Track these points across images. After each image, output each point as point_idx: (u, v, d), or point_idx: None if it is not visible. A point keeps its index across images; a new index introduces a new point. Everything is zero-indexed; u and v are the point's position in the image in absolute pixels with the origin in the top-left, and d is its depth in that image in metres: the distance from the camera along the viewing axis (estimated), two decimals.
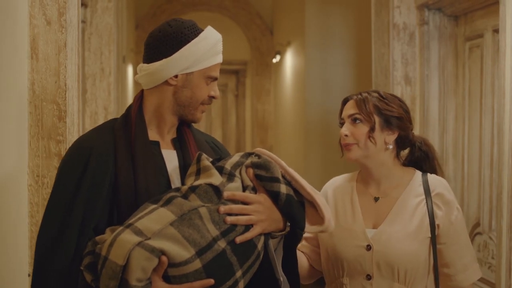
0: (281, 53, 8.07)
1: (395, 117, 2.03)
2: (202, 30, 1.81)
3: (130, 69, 6.56)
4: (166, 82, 1.78)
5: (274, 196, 1.71)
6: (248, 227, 1.65)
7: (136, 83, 1.73)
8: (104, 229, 1.67)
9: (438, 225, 2.01)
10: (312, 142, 6.47)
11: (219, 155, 1.91)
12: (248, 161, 1.74)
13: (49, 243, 1.67)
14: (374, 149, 2.02)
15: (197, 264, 1.55)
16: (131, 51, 7.01)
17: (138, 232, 1.54)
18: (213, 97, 1.83)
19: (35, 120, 2.41)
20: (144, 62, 1.82)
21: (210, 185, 1.64)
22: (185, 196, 1.63)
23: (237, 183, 1.69)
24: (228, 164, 1.71)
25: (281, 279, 1.74)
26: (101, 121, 4.14)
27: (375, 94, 2.05)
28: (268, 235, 1.71)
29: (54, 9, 2.42)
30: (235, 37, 8.96)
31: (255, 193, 1.71)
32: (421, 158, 2.12)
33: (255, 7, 9.09)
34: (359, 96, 2.05)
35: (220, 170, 1.70)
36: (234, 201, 1.66)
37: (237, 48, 9.05)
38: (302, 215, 1.73)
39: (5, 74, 2.21)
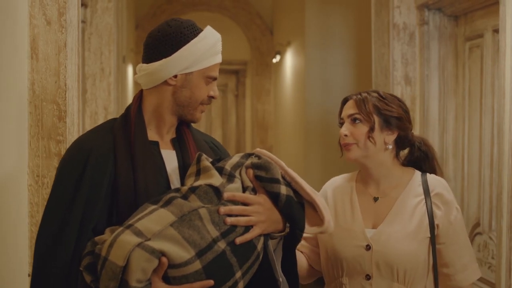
0: (281, 53, 8.07)
1: (394, 117, 2.03)
2: (201, 30, 1.80)
3: (130, 69, 6.56)
4: (166, 82, 1.78)
5: (274, 197, 1.71)
6: (248, 228, 1.65)
7: (136, 83, 1.74)
8: (103, 229, 1.67)
9: (437, 225, 2.01)
10: (312, 142, 6.47)
11: (218, 155, 1.91)
12: (248, 161, 1.74)
13: (48, 243, 1.67)
14: (373, 149, 2.02)
15: (197, 265, 1.55)
16: (131, 51, 7.01)
17: (138, 233, 1.54)
18: (212, 97, 1.83)
19: (35, 120, 2.41)
20: (143, 62, 1.82)
21: (210, 186, 1.64)
22: (185, 197, 1.63)
23: (237, 184, 1.69)
24: (228, 165, 1.71)
25: (280, 279, 1.74)
26: (101, 121, 4.14)
27: (375, 94, 2.05)
28: (267, 236, 1.71)
29: (54, 9, 2.42)
30: (235, 37, 8.96)
31: (255, 194, 1.71)
32: (420, 158, 2.12)
33: (255, 7, 9.09)
34: (359, 96, 2.05)
35: (220, 170, 1.70)
36: (234, 202, 1.66)
37: (237, 48, 9.05)
38: (301, 216, 1.73)
39: (5, 74, 2.21)
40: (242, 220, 1.64)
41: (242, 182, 1.71)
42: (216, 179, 1.66)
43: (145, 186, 1.71)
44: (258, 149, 1.80)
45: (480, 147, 3.69)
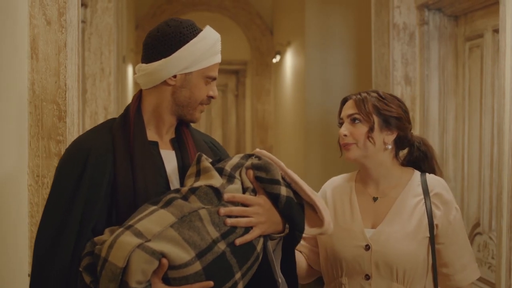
0: (281, 53, 8.07)
1: (394, 117, 2.03)
2: (201, 30, 1.80)
3: (130, 69, 6.56)
4: (165, 82, 1.78)
5: (274, 198, 1.71)
6: (247, 229, 1.65)
7: (136, 83, 1.74)
8: (102, 230, 1.66)
9: (436, 225, 2.01)
10: (312, 142, 6.47)
11: (217, 155, 1.91)
12: (249, 162, 1.74)
13: (48, 243, 1.66)
14: (373, 149, 2.02)
15: (197, 266, 1.54)
16: (131, 51, 7.01)
17: (138, 234, 1.54)
18: (212, 97, 1.83)
19: (35, 120, 2.41)
20: (142, 62, 1.81)
21: (211, 187, 1.64)
22: (185, 198, 1.63)
23: (237, 185, 1.69)
24: (228, 166, 1.71)
25: (280, 280, 1.74)
26: (101, 121, 4.14)
27: (374, 94, 2.05)
28: (267, 237, 1.72)
29: (54, 9, 2.42)
30: (235, 37, 8.96)
31: (255, 195, 1.71)
32: (419, 158, 2.12)
33: (255, 7, 9.09)
34: (358, 96, 2.05)
35: (220, 171, 1.70)
36: (234, 203, 1.65)
37: (237, 48, 9.04)
38: (301, 217, 1.74)
39: (5, 74, 2.21)
40: (242, 221, 1.64)
41: (242, 183, 1.71)
42: (216, 180, 1.66)
43: (145, 186, 1.70)
44: (257, 149, 1.80)
45: (480, 147, 3.69)
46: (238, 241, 1.61)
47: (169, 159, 1.81)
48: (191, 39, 1.76)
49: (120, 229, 1.57)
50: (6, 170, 2.23)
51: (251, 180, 1.72)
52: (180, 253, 1.53)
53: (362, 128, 2.01)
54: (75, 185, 1.68)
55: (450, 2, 3.77)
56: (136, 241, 1.52)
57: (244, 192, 1.70)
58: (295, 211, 1.72)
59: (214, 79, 1.82)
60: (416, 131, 3.94)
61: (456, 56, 3.96)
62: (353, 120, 2.03)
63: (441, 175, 2.13)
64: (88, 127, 4.08)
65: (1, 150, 2.18)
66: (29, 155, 2.41)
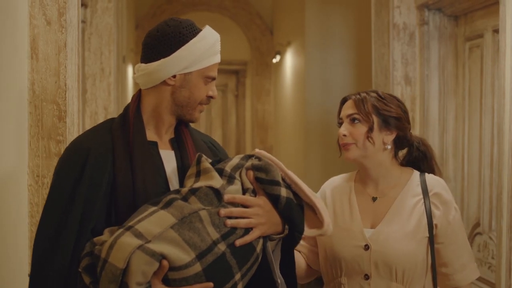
0: (281, 53, 8.07)
1: (393, 117, 2.03)
2: (200, 30, 1.80)
3: (130, 69, 6.56)
4: (164, 82, 1.78)
5: (274, 199, 1.71)
6: (247, 230, 1.65)
7: (136, 83, 1.74)
8: (101, 230, 1.66)
9: (436, 225, 2.01)
10: (312, 142, 6.47)
11: (216, 155, 1.91)
12: (249, 163, 1.74)
13: (47, 243, 1.66)
14: (372, 149, 2.02)
15: (197, 267, 1.54)
16: (131, 51, 7.01)
17: (139, 235, 1.54)
18: (211, 97, 1.82)
19: (35, 120, 2.41)
20: (142, 62, 1.81)
21: (211, 187, 1.64)
22: (185, 199, 1.63)
23: (237, 186, 1.69)
24: (228, 167, 1.71)
25: (279, 281, 1.74)
26: (101, 121, 4.13)
27: (374, 94, 2.05)
28: (266, 238, 1.72)
29: (54, 9, 2.42)
30: (235, 37, 8.96)
31: (255, 195, 1.71)
32: (419, 158, 2.13)
33: (255, 7, 9.09)
34: (358, 96, 2.05)
35: (220, 172, 1.69)
36: (234, 204, 1.65)
37: (237, 48, 9.04)
38: (301, 219, 1.74)
39: (5, 74, 2.21)
40: (242, 222, 1.64)
41: (242, 184, 1.71)
42: (217, 181, 1.66)
43: (144, 186, 1.70)
44: (257, 150, 1.80)
45: (480, 147, 3.69)
46: (238, 242, 1.61)
47: (169, 159, 1.80)
48: (191, 39, 1.76)
49: (120, 230, 1.57)
50: (6, 170, 2.23)
51: (251, 181, 1.72)
52: (180, 254, 1.53)
53: (362, 128, 2.01)
54: (74, 184, 1.68)
55: (450, 2, 3.77)
56: (136, 242, 1.52)
57: (244, 193, 1.70)
58: (295, 212, 1.72)
59: (214, 79, 1.82)
60: (416, 131, 3.94)
61: (456, 56, 3.96)
62: (353, 120, 2.03)
63: (440, 175, 2.13)
64: (88, 127, 4.07)
65: (1, 150, 2.18)
66: (29, 155, 2.41)
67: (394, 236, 1.98)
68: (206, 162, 1.71)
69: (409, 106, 3.95)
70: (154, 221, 1.57)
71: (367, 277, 1.98)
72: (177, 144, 1.84)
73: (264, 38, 9.12)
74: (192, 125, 1.93)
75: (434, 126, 4.00)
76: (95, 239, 1.64)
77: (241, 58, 9.30)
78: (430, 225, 2.00)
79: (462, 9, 3.80)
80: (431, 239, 2.00)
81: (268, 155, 1.77)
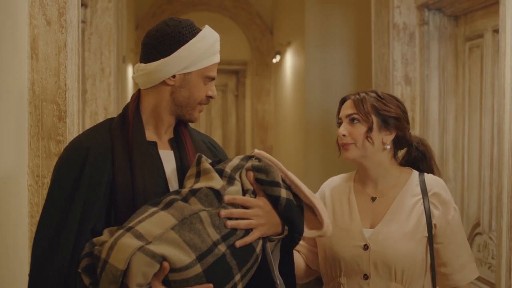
0: (281, 53, 8.07)
1: (392, 117, 2.03)
2: (200, 30, 1.80)
3: (130, 69, 6.56)
4: (164, 82, 1.77)
5: (274, 200, 1.71)
6: (247, 231, 1.65)
7: (136, 83, 1.74)
8: (101, 230, 1.66)
9: (435, 225, 2.01)
10: (312, 142, 6.47)
11: (216, 155, 1.91)
12: (249, 164, 1.73)
13: (47, 243, 1.65)
14: (371, 149, 2.02)
15: (197, 268, 1.54)
16: (131, 51, 7.01)
17: (139, 236, 1.53)
18: (210, 97, 1.82)
19: (35, 120, 2.41)
20: (141, 62, 1.81)
21: (211, 188, 1.64)
22: (185, 199, 1.62)
23: (237, 187, 1.69)
24: (228, 167, 1.71)
25: (278, 281, 1.74)
26: (101, 121, 4.13)
27: (373, 94, 2.05)
28: (266, 239, 1.72)
29: (54, 9, 2.42)
30: (235, 37, 8.96)
31: (255, 196, 1.71)
32: (418, 158, 2.13)
33: (255, 7, 9.09)
34: (357, 96, 2.05)
35: (220, 173, 1.69)
36: (234, 205, 1.65)
37: (237, 48, 9.04)
38: (301, 220, 1.74)
39: (5, 74, 2.21)
40: (242, 223, 1.64)
41: (242, 185, 1.71)
42: (217, 182, 1.66)
43: (143, 186, 1.70)
44: (256, 150, 1.79)
45: (480, 147, 3.69)
46: (238, 243, 1.61)
47: (168, 160, 1.80)
48: (191, 39, 1.76)
49: (121, 231, 1.56)
50: (6, 170, 2.23)
51: (251, 181, 1.72)
52: (181, 256, 1.53)
53: (361, 128, 2.01)
54: (74, 184, 1.68)
55: (450, 2, 3.77)
56: (137, 243, 1.52)
57: (244, 194, 1.70)
58: (294, 213, 1.72)
59: (213, 79, 1.82)
60: (416, 131, 3.95)
61: (456, 56, 3.96)
62: (352, 120, 2.03)
63: (439, 175, 2.13)
64: (88, 127, 4.06)
65: (1, 150, 2.18)
66: (29, 155, 2.41)
67: (393, 236, 1.99)
68: (206, 163, 1.71)
69: (409, 106, 3.96)
70: (155, 222, 1.57)
71: (366, 277, 1.98)
72: (176, 144, 1.84)
73: (264, 38, 9.12)
74: (192, 125, 1.92)
75: (434, 126, 4.00)
76: (95, 239, 1.63)
77: (241, 58, 9.30)
78: (429, 225, 2.00)
79: (462, 9, 3.80)
80: (430, 239, 2.00)
81: (268, 156, 1.77)
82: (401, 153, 2.15)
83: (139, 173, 1.70)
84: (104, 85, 4.31)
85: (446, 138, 4.01)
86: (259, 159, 1.75)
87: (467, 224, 3.80)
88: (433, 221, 2.00)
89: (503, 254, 2.86)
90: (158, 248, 1.52)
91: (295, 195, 1.75)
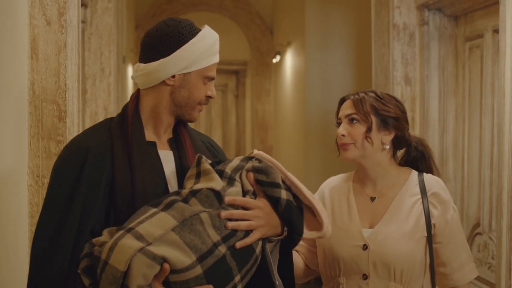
0: (281, 53, 8.07)
1: (392, 117, 2.03)
2: (199, 30, 1.80)
3: (130, 69, 6.56)
4: (163, 82, 1.77)
5: (274, 202, 1.71)
6: (247, 232, 1.65)
7: (136, 83, 1.74)
8: (100, 230, 1.65)
9: (434, 225, 2.01)
10: (312, 142, 6.47)
11: (215, 155, 1.91)
12: (249, 165, 1.73)
13: (46, 243, 1.65)
14: (371, 149, 2.03)
15: (198, 270, 1.54)
16: (131, 51, 7.01)
17: (139, 237, 1.53)
18: (210, 97, 1.82)
19: (35, 120, 2.41)
20: (140, 62, 1.81)
21: (212, 189, 1.64)
22: (185, 200, 1.62)
23: (237, 188, 1.69)
24: (229, 168, 1.71)
25: (277, 282, 1.74)
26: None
27: (372, 94, 2.05)
28: (265, 240, 1.72)
29: (54, 9, 2.42)
30: (235, 37, 8.96)
31: (255, 197, 1.71)
32: (417, 158, 2.13)
33: (255, 7, 9.09)
34: (356, 96, 2.06)
35: (221, 174, 1.69)
36: (234, 206, 1.65)
37: (237, 48, 9.04)
38: (300, 221, 1.74)
39: (5, 74, 2.21)
40: (242, 224, 1.64)
41: (243, 186, 1.71)
42: (217, 183, 1.65)
43: (143, 186, 1.70)
44: (255, 151, 1.79)
45: (480, 147, 3.69)
46: (239, 244, 1.61)
47: (167, 160, 1.80)
48: (190, 39, 1.76)
49: (121, 232, 1.56)
50: (6, 170, 2.23)
51: (252, 182, 1.71)
52: (181, 257, 1.53)
53: (360, 128, 2.02)
54: (74, 184, 1.67)
55: (450, 2, 3.77)
56: (138, 244, 1.51)
57: (244, 195, 1.70)
58: (294, 214, 1.73)
59: (213, 79, 1.82)
60: (416, 131, 3.95)
61: (456, 56, 3.96)
62: (351, 120, 2.03)
63: (438, 175, 2.13)
64: (88, 127, 4.06)
65: (1, 150, 2.17)
66: (29, 155, 2.41)
67: (392, 236, 1.99)
68: (206, 164, 1.71)
69: (409, 106, 3.96)
70: (155, 223, 1.56)
71: (365, 277, 1.98)
72: (175, 144, 1.84)
73: (264, 38, 9.12)
74: (191, 125, 1.92)
75: (434, 126, 4.00)
76: (94, 240, 1.63)
77: (241, 58, 9.30)
78: (428, 225, 2.00)
79: (462, 9, 3.80)
80: (429, 239, 2.00)
81: (268, 157, 1.77)
82: (400, 153, 2.15)
83: (138, 173, 1.70)
84: (104, 85, 4.31)
85: (446, 138, 4.01)
86: (259, 160, 1.75)
87: (467, 224, 3.80)
88: (432, 221, 2.01)
89: (503, 254, 2.86)
90: (159, 250, 1.52)
91: (294, 196, 1.75)
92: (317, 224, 1.76)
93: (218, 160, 1.79)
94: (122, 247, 1.51)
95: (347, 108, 2.06)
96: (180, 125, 1.87)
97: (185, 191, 1.64)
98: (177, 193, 1.66)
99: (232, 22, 9.05)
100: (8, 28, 2.25)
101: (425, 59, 3.95)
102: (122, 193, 1.68)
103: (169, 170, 1.79)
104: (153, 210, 1.60)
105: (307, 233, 1.76)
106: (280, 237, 1.75)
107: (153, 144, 1.79)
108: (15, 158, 2.33)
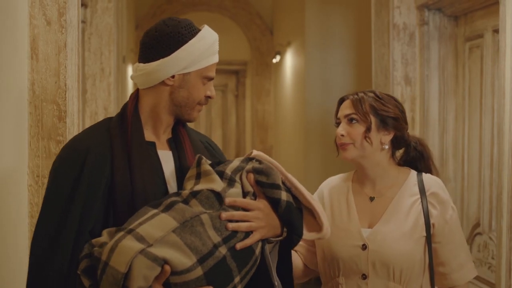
0: (281, 53, 8.07)
1: (391, 118, 2.04)
2: (199, 30, 1.80)
3: (130, 69, 6.56)
4: (163, 82, 1.77)
5: (275, 203, 1.71)
6: (247, 233, 1.65)
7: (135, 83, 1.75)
8: (99, 231, 1.65)
9: (433, 224, 2.02)
10: (312, 142, 6.47)
11: (214, 155, 1.91)
12: (249, 166, 1.73)
13: (46, 243, 1.64)
14: (370, 149, 2.03)
15: (198, 271, 1.54)
16: (131, 51, 7.01)
17: (140, 239, 1.53)
18: (209, 97, 1.82)
19: (35, 120, 2.41)
20: (140, 62, 1.80)
21: (212, 191, 1.64)
22: (186, 201, 1.62)
23: (237, 189, 1.69)
24: (229, 169, 1.71)
25: (276, 283, 1.74)
26: None
27: (371, 94, 2.06)
28: (265, 241, 1.72)
29: (54, 9, 2.42)
30: (235, 37, 8.96)
31: (255, 199, 1.71)
32: (416, 158, 2.13)
33: (255, 7, 9.08)
34: (355, 96, 2.06)
35: (221, 175, 1.69)
36: (234, 207, 1.65)
37: (237, 48, 9.04)
38: (300, 222, 1.74)
39: (5, 74, 2.21)
40: (243, 225, 1.64)
41: (243, 187, 1.71)
42: (218, 184, 1.65)
43: (143, 186, 1.69)
44: (254, 151, 1.79)
45: (480, 147, 3.69)
46: (239, 246, 1.61)
47: (166, 160, 1.80)
48: (190, 39, 1.75)
49: (121, 233, 1.56)
50: (6, 170, 2.23)
51: (252, 184, 1.71)
52: (182, 259, 1.53)
53: (359, 128, 2.02)
54: (74, 184, 1.67)
55: (450, 2, 3.77)
56: (138, 246, 1.51)
57: (244, 196, 1.70)
58: (294, 215, 1.73)
59: (212, 79, 1.82)
60: (416, 131, 3.95)
61: (456, 56, 3.96)
62: (350, 120, 2.04)
63: (437, 175, 2.13)
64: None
65: (1, 150, 2.17)
66: (29, 156, 2.41)
67: (391, 236, 1.99)
68: (207, 164, 1.70)
69: (409, 106, 3.96)
70: (156, 224, 1.56)
71: (364, 276, 1.99)
72: (174, 144, 1.84)
73: (264, 38, 9.12)
74: (192, 125, 1.92)
75: (434, 126, 4.00)
76: (94, 240, 1.63)
77: (241, 58, 9.30)
78: (428, 225, 2.00)
79: (462, 9, 3.80)
80: (429, 239, 2.00)
81: (268, 158, 1.77)
82: (399, 153, 2.15)
83: (138, 173, 1.70)
84: (104, 85, 4.31)
85: (446, 138, 4.01)
86: (259, 161, 1.75)
87: (467, 224, 3.80)
88: (431, 221, 2.01)
89: (503, 254, 2.86)
90: (160, 251, 1.51)
91: (294, 197, 1.75)
92: (317, 226, 1.77)
93: (218, 160, 1.79)
94: (123, 248, 1.51)
95: (346, 108, 2.06)
96: (179, 125, 1.86)
97: (185, 192, 1.64)
98: (177, 194, 1.66)
99: (232, 22, 9.04)
100: (8, 28, 2.25)
101: (425, 59, 3.95)
102: (121, 193, 1.68)
103: (169, 170, 1.79)
104: (154, 211, 1.60)
105: (306, 235, 1.76)
106: (279, 238, 1.74)
107: (153, 145, 1.79)
108: (15, 158, 2.33)
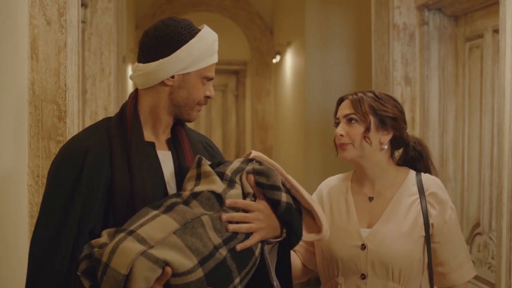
0: (281, 53, 8.07)
1: (390, 118, 2.04)
2: (199, 30, 1.79)
3: (130, 69, 6.55)
4: (162, 83, 1.77)
5: (274, 204, 1.71)
6: (248, 234, 1.65)
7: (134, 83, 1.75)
8: (99, 231, 1.65)
9: (432, 224, 2.02)
10: (312, 142, 6.47)
11: (213, 155, 1.90)
12: (249, 167, 1.73)
13: (46, 243, 1.64)
14: (369, 149, 2.03)
15: (199, 273, 1.54)
16: (131, 51, 7.01)
17: (141, 240, 1.53)
18: (209, 97, 1.82)
19: (35, 120, 2.41)
20: (139, 62, 1.80)
21: (213, 192, 1.63)
22: (186, 203, 1.62)
23: (237, 190, 1.69)
24: (229, 170, 1.71)
25: (275, 284, 1.74)
26: None
27: (370, 94, 2.06)
28: (264, 242, 1.72)
29: (54, 9, 2.42)
30: (235, 37, 8.96)
31: (255, 200, 1.71)
32: (415, 158, 2.13)
33: (255, 7, 9.08)
34: (355, 96, 2.06)
35: (221, 176, 1.69)
36: (234, 208, 1.65)
37: (237, 48, 9.04)
38: (300, 224, 1.74)
39: (5, 74, 2.21)
40: (243, 227, 1.64)
41: (243, 188, 1.71)
42: (218, 185, 1.65)
43: (142, 187, 1.69)
44: (253, 152, 1.79)
45: (480, 147, 3.69)
46: (239, 247, 1.62)
47: (166, 160, 1.80)
48: (190, 39, 1.75)
49: (122, 234, 1.55)
50: (6, 170, 2.23)
51: (252, 185, 1.71)
52: (183, 261, 1.53)
53: (359, 128, 2.02)
54: (74, 184, 1.66)
55: (450, 2, 3.77)
56: (139, 248, 1.51)
57: (244, 197, 1.70)
58: (294, 217, 1.73)
59: (211, 79, 1.81)
60: (416, 131, 3.95)
61: (456, 56, 3.96)
62: (350, 120, 2.04)
63: (436, 175, 2.14)
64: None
65: (1, 150, 2.17)
66: (29, 156, 2.41)
67: (390, 236, 1.99)
68: (207, 165, 1.70)
69: (409, 107, 3.96)
70: (156, 226, 1.56)
71: (363, 276, 1.99)
72: (173, 144, 1.84)
73: (264, 38, 9.12)
74: (192, 125, 1.92)
75: (434, 126, 4.00)
76: (93, 241, 1.62)
77: (241, 58, 9.30)
78: (427, 225, 2.00)
79: (462, 9, 3.80)
80: (428, 239, 2.00)
81: (269, 159, 1.77)
82: (398, 153, 2.15)
83: (137, 173, 1.70)
84: (104, 85, 4.31)
85: (446, 138, 4.01)
86: (259, 163, 1.75)
87: (467, 224, 3.80)
88: (430, 221, 2.01)
89: (503, 254, 2.86)
90: (161, 253, 1.51)
91: (293, 198, 1.75)
92: (316, 227, 1.77)
93: (218, 161, 1.79)
94: (124, 250, 1.51)
95: (346, 108, 2.06)
96: (178, 125, 1.86)
97: (186, 193, 1.64)
98: (178, 195, 1.65)
99: (232, 22, 9.04)
100: (8, 28, 2.25)
101: (425, 59, 3.95)
102: (121, 194, 1.68)
103: (168, 170, 1.78)
104: (154, 212, 1.60)
105: (306, 236, 1.76)
106: (278, 239, 1.75)
107: (152, 145, 1.79)
108: (15, 158, 2.33)
